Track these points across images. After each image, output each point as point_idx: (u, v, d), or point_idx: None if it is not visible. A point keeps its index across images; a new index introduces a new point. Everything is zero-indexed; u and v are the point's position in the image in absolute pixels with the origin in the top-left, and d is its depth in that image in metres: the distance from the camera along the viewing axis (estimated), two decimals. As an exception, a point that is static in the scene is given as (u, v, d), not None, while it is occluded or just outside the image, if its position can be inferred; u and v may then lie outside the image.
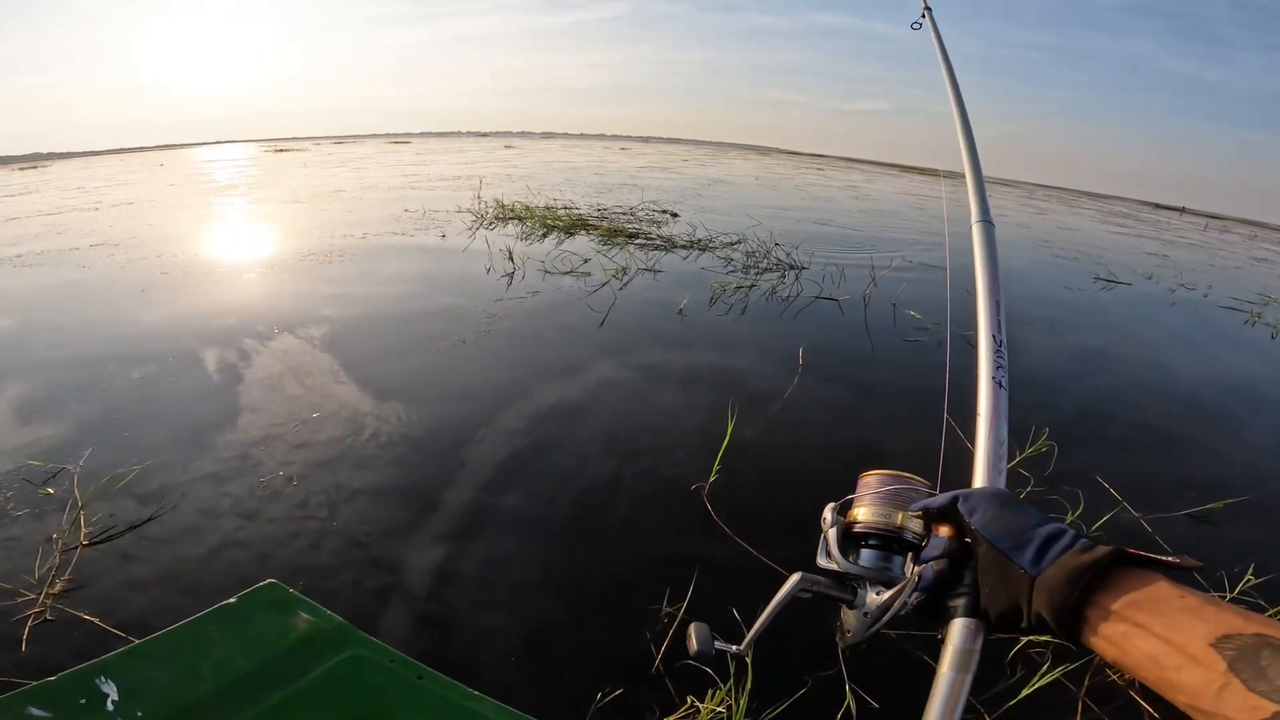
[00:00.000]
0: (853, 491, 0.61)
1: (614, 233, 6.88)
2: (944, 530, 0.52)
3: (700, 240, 6.79)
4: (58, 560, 1.81)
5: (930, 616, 0.51)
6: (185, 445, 2.45)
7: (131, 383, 3.00)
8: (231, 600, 1.06)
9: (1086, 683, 1.60)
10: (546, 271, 5.21)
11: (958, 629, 0.48)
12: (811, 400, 3.12)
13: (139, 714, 0.82)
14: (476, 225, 7.32)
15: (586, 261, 5.59)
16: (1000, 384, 0.65)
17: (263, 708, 0.88)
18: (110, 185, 14.53)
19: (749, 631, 0.61)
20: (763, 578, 1.89)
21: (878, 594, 0.55)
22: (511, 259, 5.47)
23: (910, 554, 0.57)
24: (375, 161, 21.18)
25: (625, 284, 4.95)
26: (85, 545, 1.88)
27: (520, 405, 2.88)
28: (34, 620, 1.60)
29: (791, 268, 5.85)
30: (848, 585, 0.58)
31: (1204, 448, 3.11)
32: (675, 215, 8.62)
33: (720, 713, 1.42)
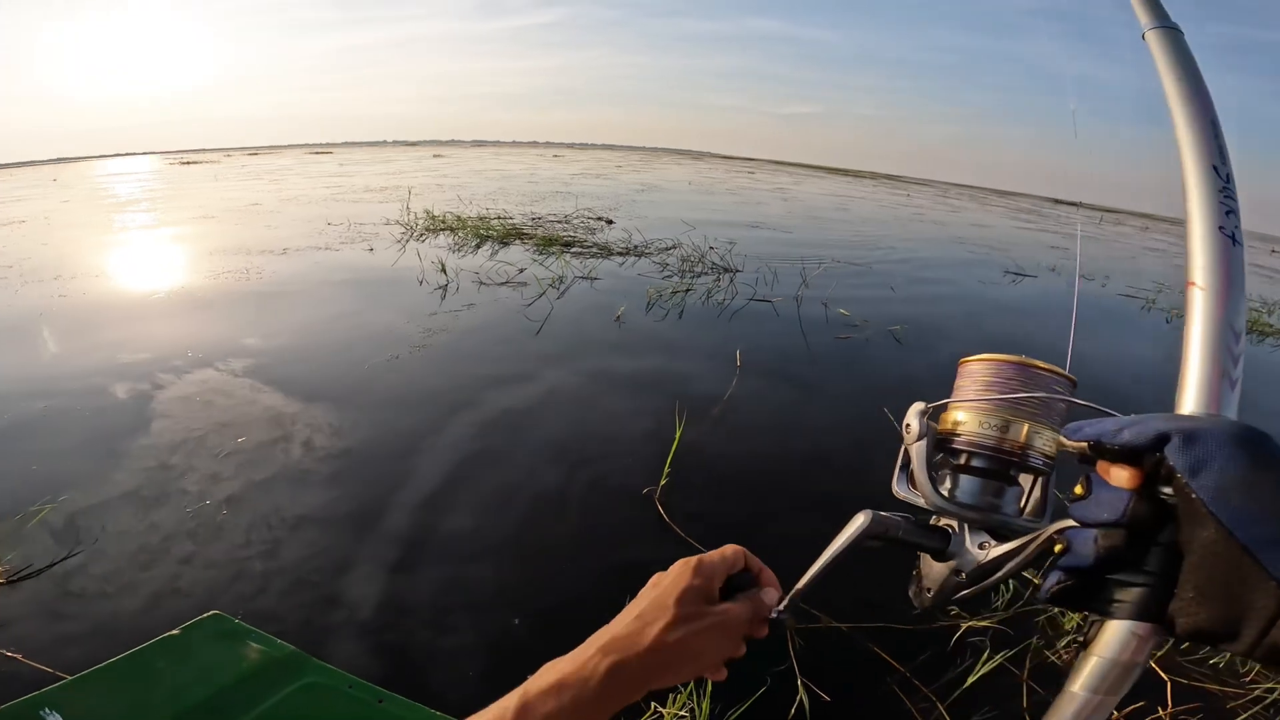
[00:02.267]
0: (949, 392, 0.45)
1: (549, 241, 6.82)
2: (1123, 478, 0.33)
3: (636, 246, 6.83)
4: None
5: (1072, 602, 0.35)
6: (102, 478, 2.27)
7: (36, 415, 2.74)
8: (175, 632, 1.01)
9: (1028, 664, 1.69)
10: (481, 283, 5.11)
11: (1116, 634, 0.33)
12: (753, 399, 3.18)
13: None
14: (406, 237, 7.10)
15: (522, 271, 5.52)
16: (1233, 237, 0.42)
17: (224, 736, 0.85)
18: (-6, 203, 13.26)
19: (789, 590, 0.49)
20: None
21: (980, 546, 0.41)
22: (444, 271, 5.33)
23: (1039, 481, 0.43)
24: (295, 173, 20.23)
25: (562, 293, 4.91)
26: (4, 583, 1.77)
27: (462, 419, 2.81)
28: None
29: (726, 271, 5.96)
30: (936, 528, 0.43)
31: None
32: (610, 222, 8.64)
33: (684, 716, 1.42)
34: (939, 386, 0.47)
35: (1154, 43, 0.54)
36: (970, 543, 0.41)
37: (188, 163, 33.48)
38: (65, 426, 2.66)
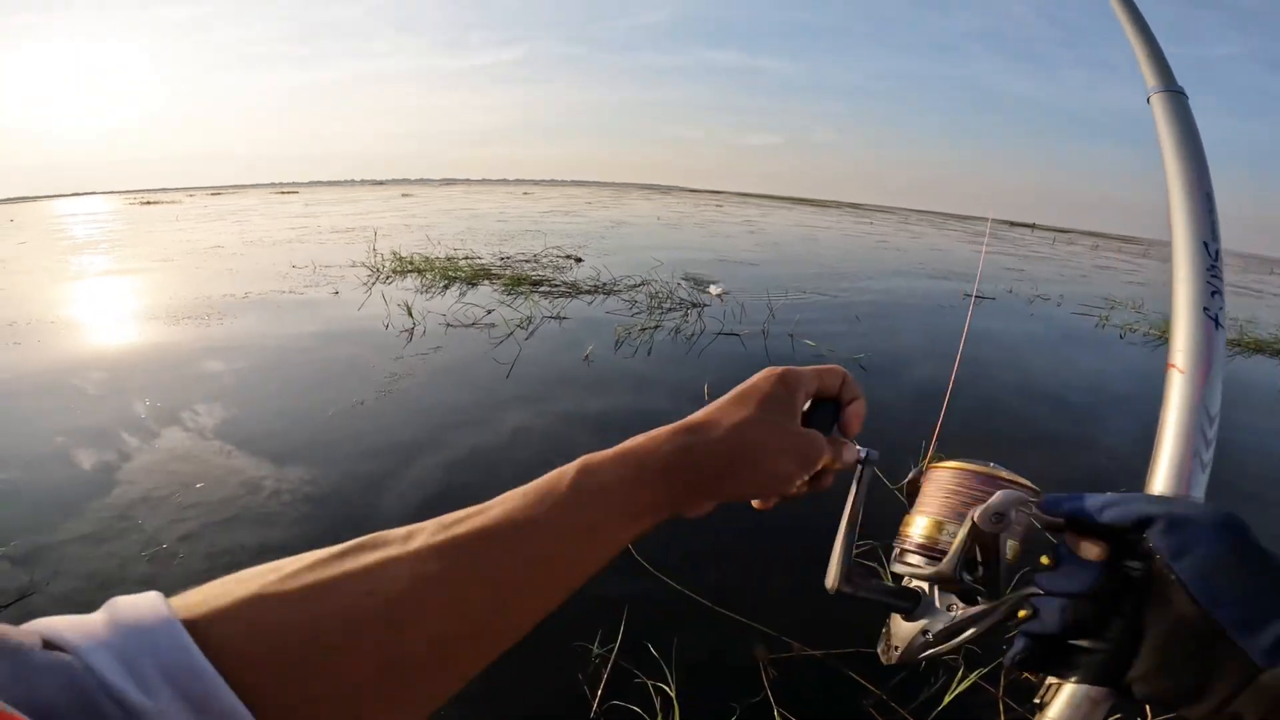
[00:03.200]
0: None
1: (518, 281, 6.84)
2: (1094, 552, 0.36)
3: (604, 284, 6.89)
4: None
5: (1036, 666, 0.37)
6: (52, 526, 2.15)
7: None
8: None
9: (1003, 682, 1.69)
10: (449, 325, 5.08)
11: (1074, 697, 0.36)
12: None
13: None
14: (372, 280, 7.04)
15: (490, 312, 5.50)
16: (1216, 320, 0.43)
17: None
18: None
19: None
20: (689, 610, 1.90)
21: (949, 608, 0.43)
22: (410, 314, 5.29)
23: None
24: (259, 214, 20.00)
25: (531, 333, 4.91)
26: None
27: (428, 460, 2.78)
28: None
29: (694, 306, 6.03)
30: (907, 590, 0.46)
31: (1078, 442, 3.46)
32: (579, 260, 8.71)
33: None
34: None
35: (1158, 107, 0.52)
36: (940, 604, 0.44)
37: (148, 203, 32.87)
38: (12, 476, 2.53)
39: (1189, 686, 0.31)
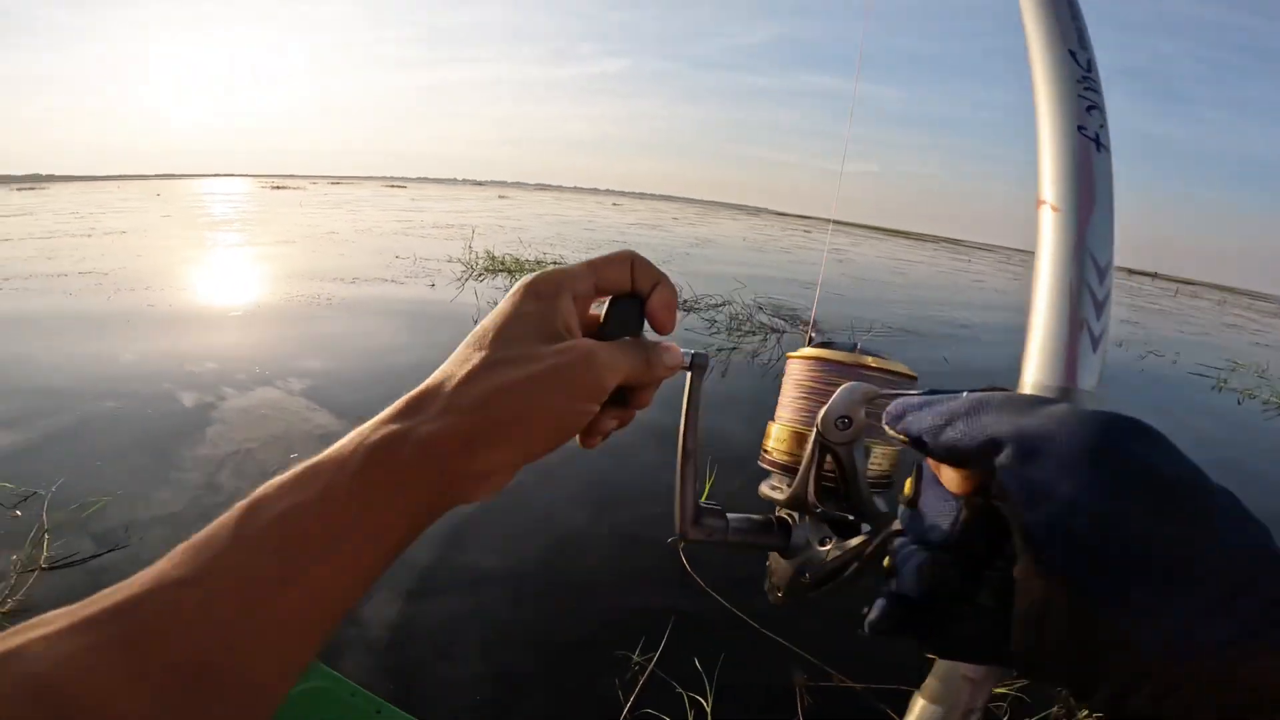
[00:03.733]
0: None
1: (601, 288, 7.01)
2: (953, 481, 0.27)
3: (685, 301, 6.94)
4: (14, 580, 1.83)
5: (898, 632, 0.27)
6: (157, 479, 2.46)
7: (107, 415, 2.99)
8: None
9: None
10: (532, 325, 5.28)
11: (948, 675, 0.31)
12: None
13: None
14: (466, 276, 7.42)
15: (573, 317, 5.67)
16: (1097, 140, 0.33)
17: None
18: (106, 212, 14.61)
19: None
20: (735, 629, 1.90)
21: (822, 542, 0.36)
22: (498, 311, 5.54)
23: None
24: (370, 205, 21.52)
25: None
26: (45, 569, 1.91)
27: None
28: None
29: (774, 331, 5.97)
30: (776, 520, 0.40)
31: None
32: (662, 273, 8.81)
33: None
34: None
35: None
36: (813, 537, 0.37)
37: (277, 187, 36.10)
38: (130, 427, 2.88)
39: (1073, 673, 0.22)
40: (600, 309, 0.35)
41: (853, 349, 0.38)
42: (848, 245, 24.15)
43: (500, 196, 38.61)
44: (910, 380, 0.37)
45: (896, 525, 0.30)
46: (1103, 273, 0.31)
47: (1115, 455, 0.21)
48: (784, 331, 5.97)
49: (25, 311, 4.95)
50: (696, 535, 0.39)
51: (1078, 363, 0.30)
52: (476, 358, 0.30)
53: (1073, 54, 0.35)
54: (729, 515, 0.40)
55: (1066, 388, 0.30)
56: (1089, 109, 0.33)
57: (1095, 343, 0.30)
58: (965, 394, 0.26)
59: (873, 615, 0.28)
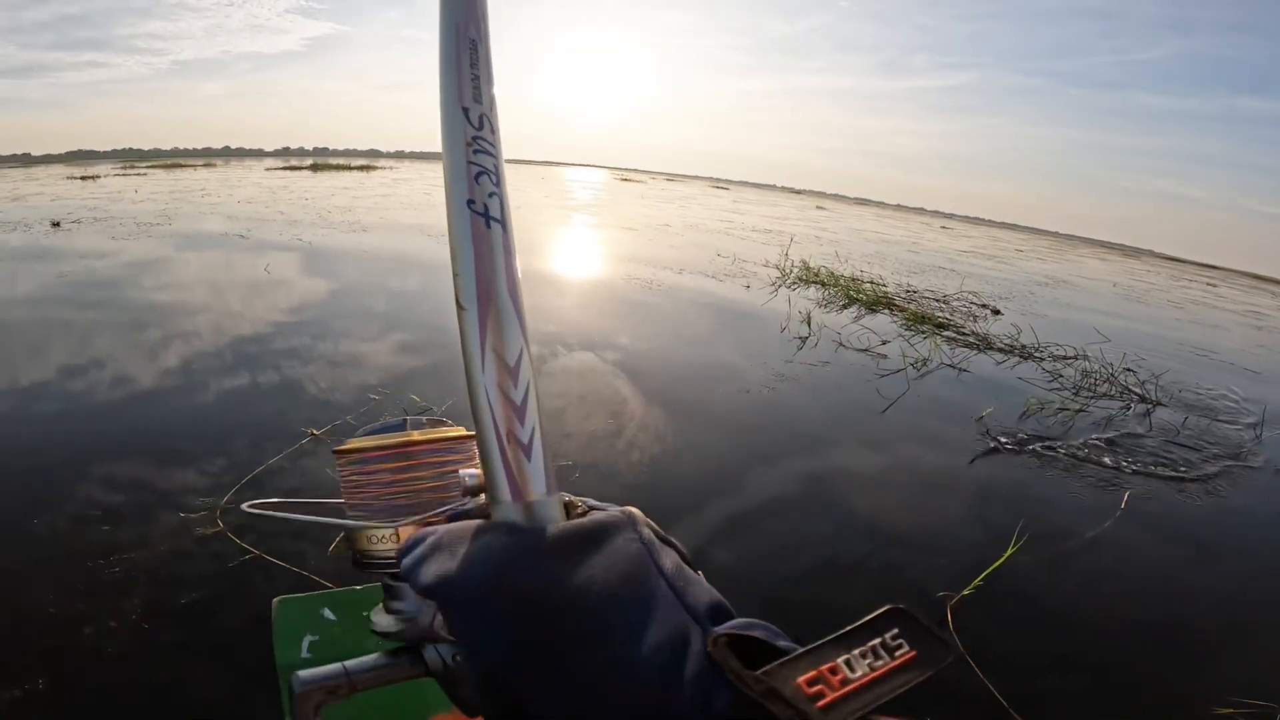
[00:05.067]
0: None
1: (920, 318, 6.46)
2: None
3: (1024, 346, 5.97)
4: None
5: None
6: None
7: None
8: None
9: None
10: (840, 344, 5.15)
11: None
12: (1128, 550, 2.63)
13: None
14: (780, 283, 7.58)
15: (885, 343, 5.36)
16: (487, 216, 0.29)
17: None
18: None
19: None
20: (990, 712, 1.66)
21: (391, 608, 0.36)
22: (808, 323, 5.54)
23: None
24: (697, 203, 23.40)
25: (922, 375, 4.62)
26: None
27: (780, 463, 2.96)
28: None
29: (1143, 400, 4.77)
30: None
31: None
32: (998, 312, 7.71)
33: None
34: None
35: None
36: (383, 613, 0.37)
37: (625, 179, 41.84)
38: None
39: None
40: None
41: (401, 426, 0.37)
42: (1270, 306, 17.84)
43: (818, 207, 38.20)
44: (468, 440, 0.36)
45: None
46: (514, 371, 0.28)
47: (517, 600, 0.21)
48: (1157, 403, 4.71)
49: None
50: None
51: (522, 474, 0.27)
52: None
53: (465, 111, 0.30)
54: None
55: (529, 502, 0.27)
56: (478, 176, 0.29)
57: (526, 449, 0.27)
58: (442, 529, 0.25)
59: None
